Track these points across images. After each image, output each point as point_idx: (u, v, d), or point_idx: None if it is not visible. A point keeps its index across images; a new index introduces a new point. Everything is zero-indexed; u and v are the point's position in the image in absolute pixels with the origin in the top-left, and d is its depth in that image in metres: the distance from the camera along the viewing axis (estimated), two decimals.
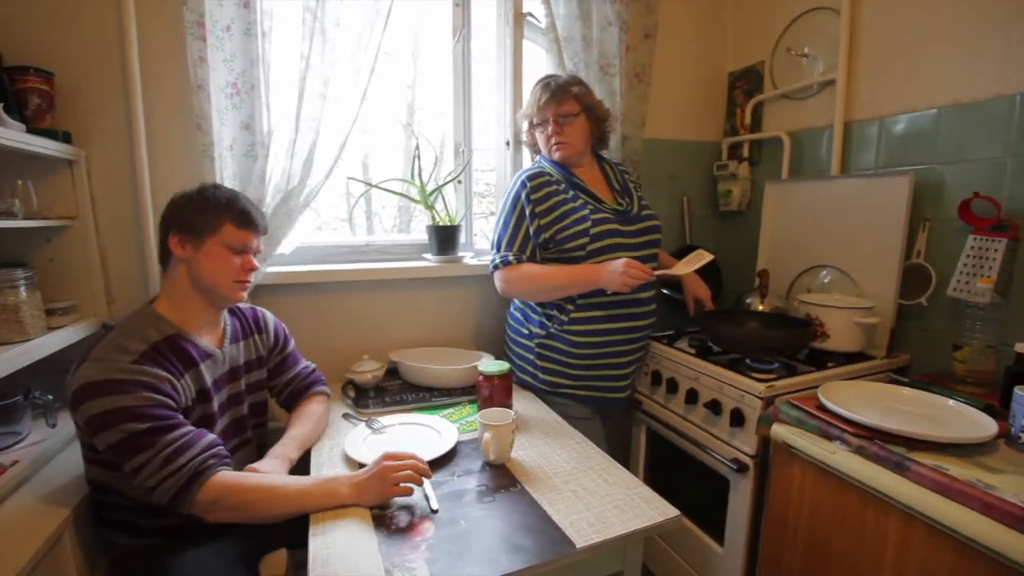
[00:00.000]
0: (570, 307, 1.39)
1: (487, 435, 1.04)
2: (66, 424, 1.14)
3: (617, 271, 1.26)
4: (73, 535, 0.93)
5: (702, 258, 1.32)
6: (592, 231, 1.35)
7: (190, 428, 0.90)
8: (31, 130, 1.14)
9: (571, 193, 1.39)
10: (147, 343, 0.93)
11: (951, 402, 1.08)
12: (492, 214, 1.91)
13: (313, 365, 1.30)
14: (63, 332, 1.16)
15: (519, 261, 1.38)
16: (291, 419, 1.18)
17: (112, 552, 1.00)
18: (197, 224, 1.00)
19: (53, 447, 1.10)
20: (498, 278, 1.42)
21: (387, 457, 0.95)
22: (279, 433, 1.13)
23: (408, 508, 0.93)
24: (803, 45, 1.70)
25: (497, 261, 1.40)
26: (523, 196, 1.38)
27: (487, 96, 1.76)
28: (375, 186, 1.71)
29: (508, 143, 1.72)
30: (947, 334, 1.36)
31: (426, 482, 0.97)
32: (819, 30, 1.66)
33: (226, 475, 0.89)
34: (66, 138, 1.23)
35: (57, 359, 1.20)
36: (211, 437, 0.92)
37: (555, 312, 1.41)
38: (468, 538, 0.84)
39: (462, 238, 1.75)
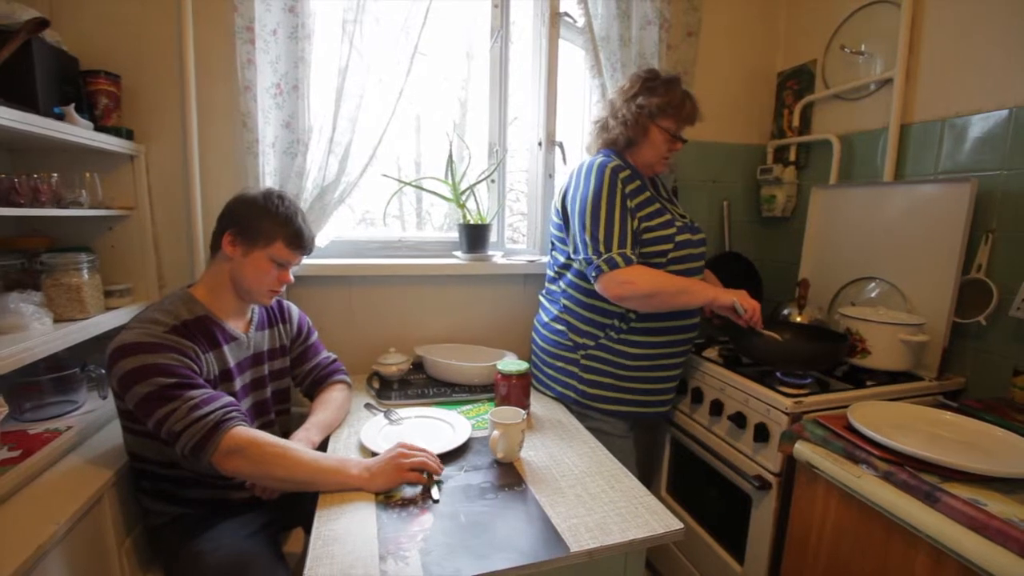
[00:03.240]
0: (632, 315, 1.31)
1: (495, 433, 1.05)
2: None
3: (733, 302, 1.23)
4: (113, 496, 1.02)
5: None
6: (677, 238, 1.29)
7: (211, 389, 0.97)
8: (99, 128, 1.26)
9: (651, 193, 1.32)
10: (178, 319, 1.00)
11: (999, 431, 0.98)
12: (522, 214, 1.92)
13: (334, 356, 1.36)
14: (119, 312, 1.27)
15: (636, 261, 1.23)
16: (313, 406, 1.24)
17: (148, 519, 1.08)
18: (253, 232, 1.06)
19: (103, 417, 1.20)
20: (616, 277, 1.21)
21: (403, 446, 1.00)
22: (302, 419, 1.19)
23: (411, 498, 0.95)
24: (859, 42, 1.60)
25: (617, 259, 1.21)
26: (618, 187, 1.24)
27: (523, 96, 1.76)
28: (408, 183, 1.75)
29: (541, 143, 1.72)
30: (1008, 358, 1.24)
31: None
32: (877, 26, 1.55)
33: (249, 428, 0.95)
34: (129, 135, 1.34)
35: (112, 337, 1.32)
36: (230, 397, 0.99)
37: (614, 320, 1.32)
38: (464, 532, 0.85)
39: (493, 237, 1.77)
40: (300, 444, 1.04)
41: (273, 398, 1.21)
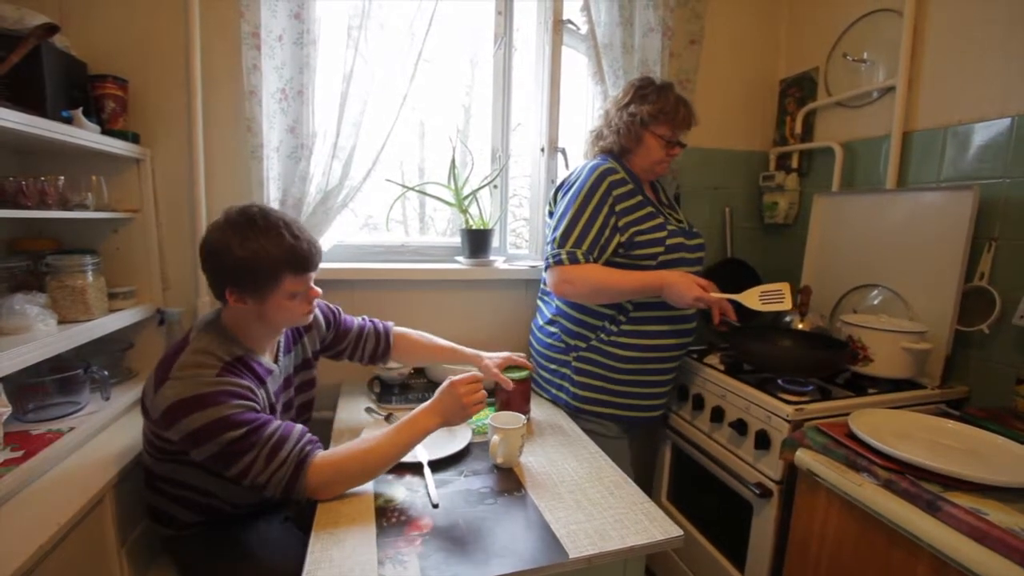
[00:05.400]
0: (622, 318, 1.33)
1: (495, 438, 1.05)
2: (119, 398, 1.26)
3: (689, 292, 1.20)
4: (114, 497, 1.02)
5: (779, 301, 1.22)
6: (668, 241, 1.30)
7: (279, 423, 0.93)
8: (105, 131, 1.27)
9: (643, 198, 1.34)
10: (223, 361, 0.95)
11: (1000, 440, 0.98)
12: (525, 220, 1.93)
13: (363, 316, 1.35)
14: (122, 314, 1.28)
15: (586, 261, 1.26)
16: (419, 343, 1.34)
17: (163, 535, 1.07)
18: (253, 284, 0.94)
19: (106, 418, 1.20)
20: (556, 275, 1.28)
21: (456, 384, 1.02)
22: (322, 424, 1.20)
23: (410, 502, 0.95)
24: (861, 50, 1.60)
25: (563, 257, 1.27)
26: (602, 190, 1.27)
27: (526, 102, 1.77)
28: (411, 188, 1.76)
29: (543, 149, 1.73)
30: (1011, 366, 1.23)
31: (428, 477, 1.00)
32: (879, 34, 1.56)
33: (324, 455, 0.94)
34: (135, 139, 1.36)
35: (115, 339, 1.33)
36: (300, 427, 0.96)
37: (604, 323, 1.34)
38: (463, 537, 0.85)
39: (495, 242, 1.77)
40: (365, 435, 1.08)
41: (297, 412, 1.20)
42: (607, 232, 1.28)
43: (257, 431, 0.89)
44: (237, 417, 0.88)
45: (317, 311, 1.23)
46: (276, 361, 1.10)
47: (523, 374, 1.26)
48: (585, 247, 1.26)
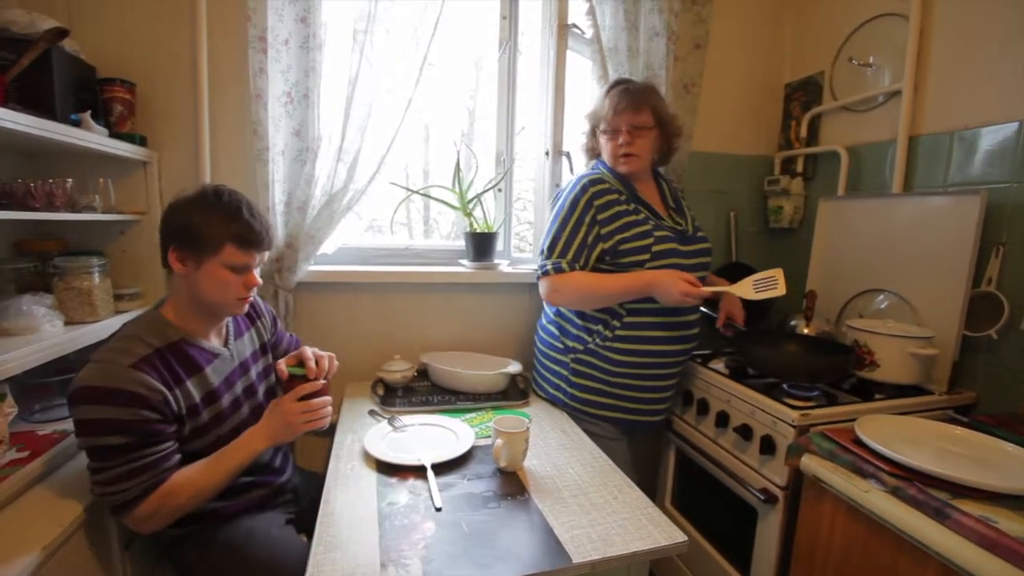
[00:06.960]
0: (616, 323, 1.33)
1: (499, 441, 1.05)
2: None
3: (675, 287, 1.20)
4: None
5: (774, 287, 1.19)
6: (654, 248, 1.30)
7: (167, 447, 0.92)
8: (113, 134, 1.28)
9: (632, 205, 1.33)
10: (150, 348, 0.92)
11: (1010, 447, 0.97)
12: (529, 223, 1.93)
13: (292, 333, 1.38)
14: (128, 316, 1.28)
15: (571, 269, 1.30)
16: None
17: (162, 537, 1.05)
18: (197, 242, 0.94)
19: None
20: (545, 285, 1.34)
21: (280, 403, 1.05)
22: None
23: (413, 506, 0.95)
24: (867, 54, 1.60)
25: (548, 268, 1.31)
26: (584, 200, 1.30)
27: (531, 106, 1.78)
28: (415, 191, 1.77)
29: (548, 153, 1.73)
30: (1020, 372, 1.22)
31: (431, 480, 1.00)
32: (885, 38, 1.55)
33: (163, 486, 0.91)
34: (142, 142, 1.37)
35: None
36: (176, 459, 0.94)
37: (599, 327, 1.35)
38: (466, 541, 0.85)
39: (499, 246, 1.77)
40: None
41: (265, 399, 1.18)
42: (590, 240, 1.30)
43: (139, 447, 0.87)
44: (128, 425, 0.86)
45: (263, 305, 1.24)
46: (226, 345, 1.09)
47: (297, 370, 1.10)
48: (570, 256, 1.30)
